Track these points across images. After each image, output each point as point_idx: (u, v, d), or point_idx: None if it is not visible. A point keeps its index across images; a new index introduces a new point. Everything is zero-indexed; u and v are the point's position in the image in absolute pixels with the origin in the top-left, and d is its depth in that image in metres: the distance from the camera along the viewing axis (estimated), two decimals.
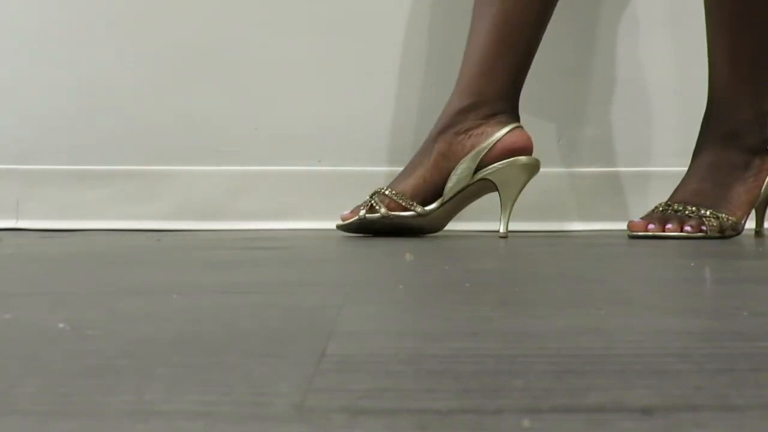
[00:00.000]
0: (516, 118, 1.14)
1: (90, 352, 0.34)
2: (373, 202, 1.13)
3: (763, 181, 1.16)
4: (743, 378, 0.30)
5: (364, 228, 1.14)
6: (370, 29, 1.37)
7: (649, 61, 1.40)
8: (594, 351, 0.34)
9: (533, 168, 1.14)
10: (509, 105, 1.13)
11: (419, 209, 1.12)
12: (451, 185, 1.12)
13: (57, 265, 0.79)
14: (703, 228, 1.09)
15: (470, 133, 1.11)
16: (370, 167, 1.36)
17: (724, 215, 1.11)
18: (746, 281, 0.65)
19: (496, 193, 1.14)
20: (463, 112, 1.12)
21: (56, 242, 1.08)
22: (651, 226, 1.11)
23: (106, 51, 1.38)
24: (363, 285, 0.61)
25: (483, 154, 1.11)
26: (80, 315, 0.44)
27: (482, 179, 1.13)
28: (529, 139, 1.13)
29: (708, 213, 1.11)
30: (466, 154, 1.11)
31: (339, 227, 1.16)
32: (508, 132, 1.12)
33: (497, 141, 1.11)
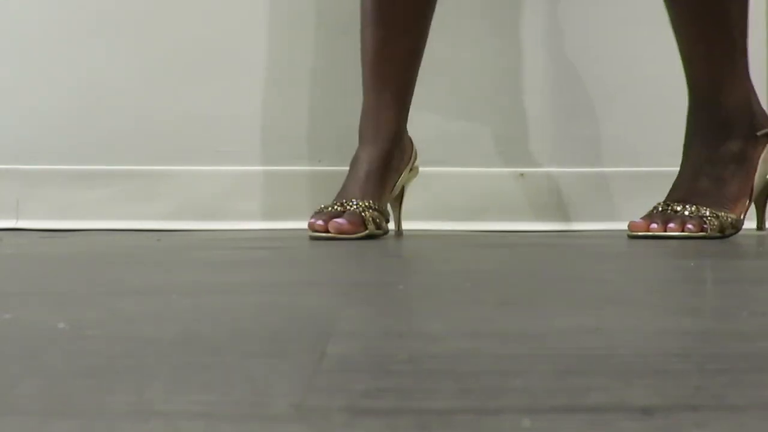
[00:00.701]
0: None
1: (90, 352, 0.34)
2: (375, 218, 1.11)
3: (755, 170, 1.16)
4: (743, 378, 0.30)
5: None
6: None
7: (649, 61, 1.40)
8: (594, 351, 0.34)
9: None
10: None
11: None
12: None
13: (57, 265, 0.79)
14: (705, 227, 1.09)
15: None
16: None
17: (723, 214, 1.11)
18: (746, 281, 0.65)
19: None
20: None
21: (56, 242, 1.08)
22: (653, 225, 1.10)
23: (106, 51, 1.38)
24: (363, 285, 0.61)
25: None
26: (80, 315, 0.44)
27: None
28: None
29: (708, 213, 1.10)
30: None
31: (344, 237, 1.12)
32: None
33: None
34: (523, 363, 0.32)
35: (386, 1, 1.14)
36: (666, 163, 1.38)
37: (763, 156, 1.16)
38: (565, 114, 1.40)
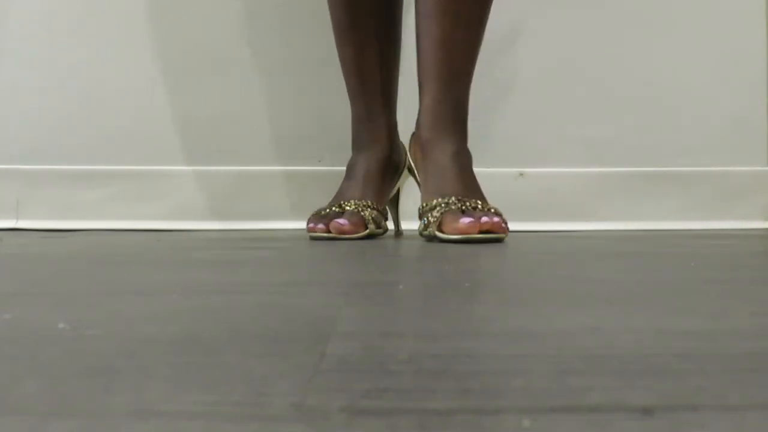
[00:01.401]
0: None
1: (90, 352, 0.34)
2: (375, 217, 1.11)
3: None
4: (743, 378, 0.30)
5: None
6: None
7: (649, 61, 1.40)
8: (594, 351, 0.34)
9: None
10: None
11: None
12: None
13: (57, 265, 0.79)
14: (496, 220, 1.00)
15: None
16: None
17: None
18: (746, 281, 0.65)
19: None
20: None
21: (56, 242, 1.08)
22: (485, 219, 0.99)
23: (106, 51, 1.38)
24: (363, 285, 0.61)
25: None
26: (80, 315, 0.44)
27: None
28: None
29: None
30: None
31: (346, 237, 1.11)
32: None
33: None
34: (523, 363, 0.32)
35: (361, 15, 1.15)
36: (666, 163, 1.38)
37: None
38: (565, 114, 1.40)
